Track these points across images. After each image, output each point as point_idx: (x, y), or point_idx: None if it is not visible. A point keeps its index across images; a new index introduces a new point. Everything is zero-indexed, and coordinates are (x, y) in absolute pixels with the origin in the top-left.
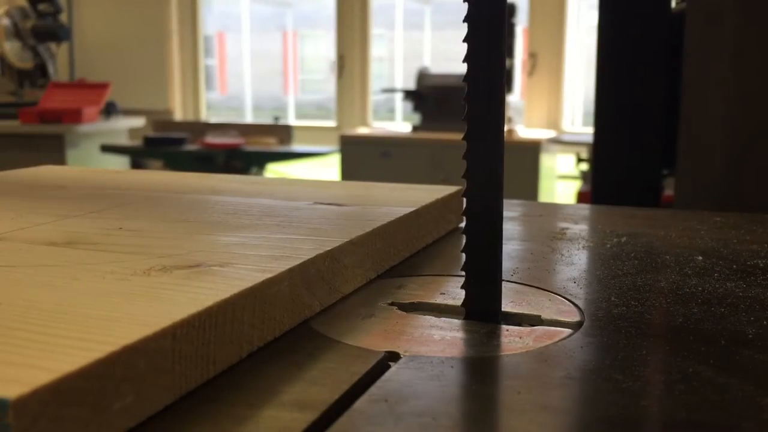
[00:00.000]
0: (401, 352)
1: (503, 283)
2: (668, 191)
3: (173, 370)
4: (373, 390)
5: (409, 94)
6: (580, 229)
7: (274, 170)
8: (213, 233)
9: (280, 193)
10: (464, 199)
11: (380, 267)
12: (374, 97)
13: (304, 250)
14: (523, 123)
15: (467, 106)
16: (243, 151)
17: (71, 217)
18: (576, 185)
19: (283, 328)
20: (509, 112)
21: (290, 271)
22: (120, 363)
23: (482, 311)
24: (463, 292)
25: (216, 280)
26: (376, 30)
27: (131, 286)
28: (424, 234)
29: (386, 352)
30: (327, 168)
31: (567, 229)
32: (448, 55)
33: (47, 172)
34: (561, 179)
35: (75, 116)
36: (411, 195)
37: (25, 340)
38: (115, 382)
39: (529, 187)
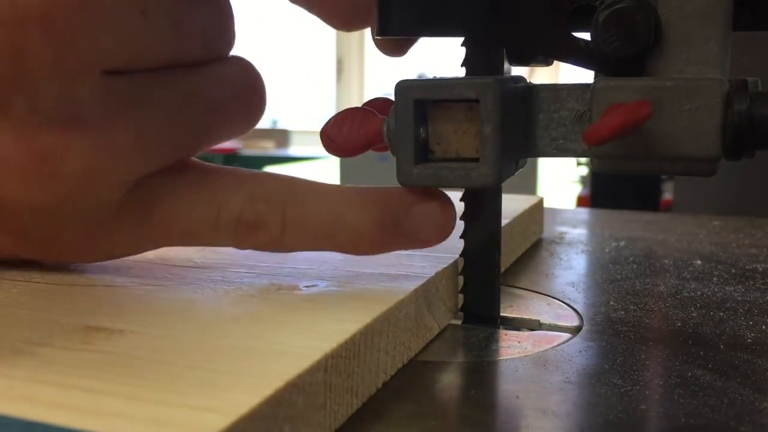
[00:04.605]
0: None
1: (502, 287)
2: (667, 195)
3: (325, 407)
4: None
5: None
6: (579, 233)
7: None
8: None
9: None
10: (462, 203)
11: None
12: None
13: (418, 267)
14: None
15: None
16: (240, 155)
17: None
18: (575, 189)
19: (410, 354)
20: None
21: (416, 291)
22: (284, 401)
23: (480, 315)
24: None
25: (345, 302)
26: None
27: (255, 309)
28: (515, 248)
29: None
30: (324, 172)
31: (566, 233)
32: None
33: None
34: (560, 183)
35: None
36: None
37: (178, 376)
38: (278, 423)
39: (527, 191)
